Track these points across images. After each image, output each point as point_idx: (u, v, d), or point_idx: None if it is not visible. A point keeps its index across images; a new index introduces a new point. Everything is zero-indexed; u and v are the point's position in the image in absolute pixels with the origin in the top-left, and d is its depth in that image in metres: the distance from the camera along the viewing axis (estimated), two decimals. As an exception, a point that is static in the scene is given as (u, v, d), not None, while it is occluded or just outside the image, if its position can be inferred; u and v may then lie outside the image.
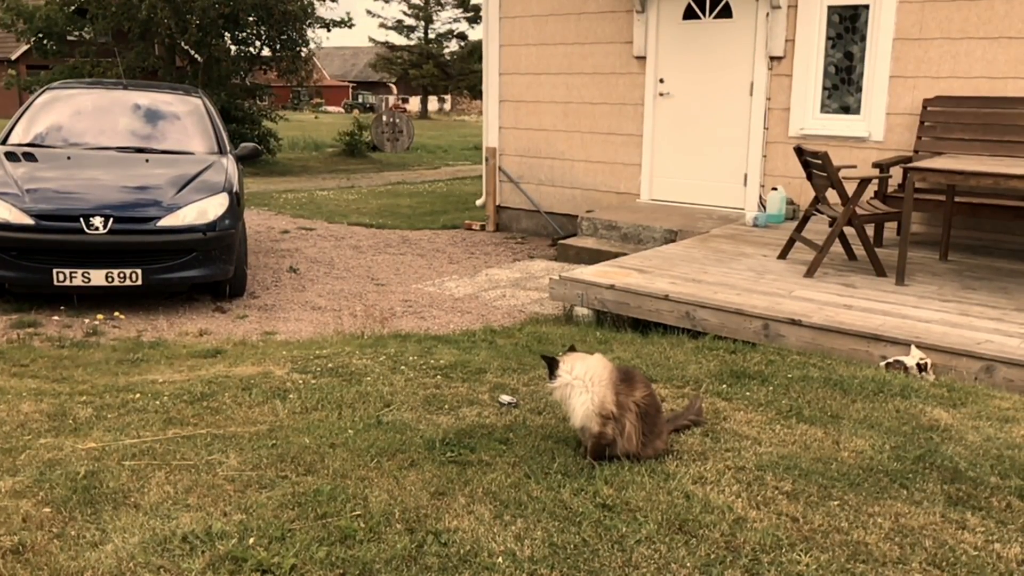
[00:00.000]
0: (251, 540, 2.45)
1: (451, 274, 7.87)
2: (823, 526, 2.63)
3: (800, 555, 2.45)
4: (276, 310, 6.49)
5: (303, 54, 18.97)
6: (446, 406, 3.68)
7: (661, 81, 8.67)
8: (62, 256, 5.96)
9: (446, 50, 48.55)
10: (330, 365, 4.28)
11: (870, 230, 6.37)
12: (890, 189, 6.62)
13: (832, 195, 5.86)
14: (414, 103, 54.66)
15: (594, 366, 3.06)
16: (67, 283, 5.97)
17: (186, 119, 7.68)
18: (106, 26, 16.38)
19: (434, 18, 47.80)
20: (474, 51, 42.22)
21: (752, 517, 2.67)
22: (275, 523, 2.55)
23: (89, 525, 2.56)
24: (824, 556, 2.45)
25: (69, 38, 17.20)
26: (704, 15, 8.33)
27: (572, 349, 3.23)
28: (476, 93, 42.71)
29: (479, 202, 10.60)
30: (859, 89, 7.54)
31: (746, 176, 8.24)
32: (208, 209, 6.33)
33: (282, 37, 18.13)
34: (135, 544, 2.43)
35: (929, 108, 7.02)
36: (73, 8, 16.98)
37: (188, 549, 2.41)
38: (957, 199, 6.23)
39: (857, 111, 7.57)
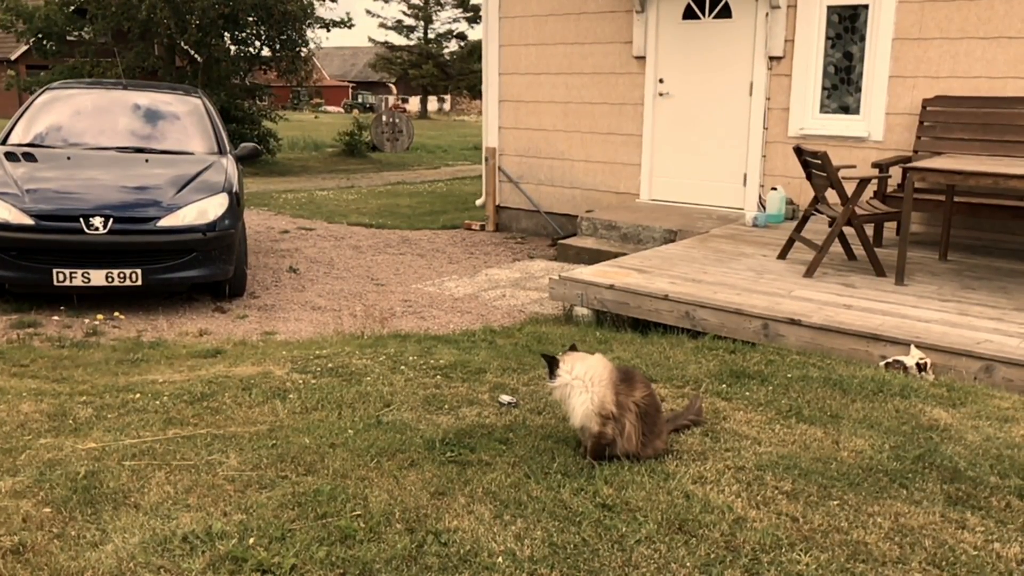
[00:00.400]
0: (251, 540, 2.45)
1: (451, 274, 7.87)
2: (823, 526, 2.63)
3: (800, 555, 2.46)
4: (276, 310, 6.49)
5: (303, 54, 18.96)
6: (446, 406, 3.69)
7: (661, 81, 8.67)
8: (62, 256, 5.96)
9: (446, 50, 48.56)
10: (330, 365, 4.29)
11: (869, 230, 6.37)
12: (889, 189, 6.63)
13: (831, 195, 5.86)
14: (414, 103, 54.67)
15: (594, 366, 3.06)
16: (67, 283, 5.97)
17: (186, 119, 7.68)
18: (105, 26, 16.37)
19: (434, 18, 47.81)
20: (474, 51, 42.20)
21: (752, 517, 2.67)
22: (275, 523, 2.55)
23: (89, 525, 2.56)
24: (824, 556, 2.46)
25: (69, 38, 17.19)
26: (703, 15, 8.34)
27: (573, 348, 3.23)
28: (476, 93, 42.72)
29: (479, 202, 10.60)
30: (858, 89, 7.54)
31: (745, 176, 8.24)
32: (208, 209, 6.33)
33: (282, 37, 18.13)
34: (135, 544, 2.43)
35: (928, 108, 7.02)
36: (72, 8, 16.97)
37: (188, 549, 2.41)
38: (956, 199, 6.23)
39: (856, 111, 7.57)
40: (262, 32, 18.01)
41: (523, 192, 9.97)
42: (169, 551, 2.40)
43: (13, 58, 33.29)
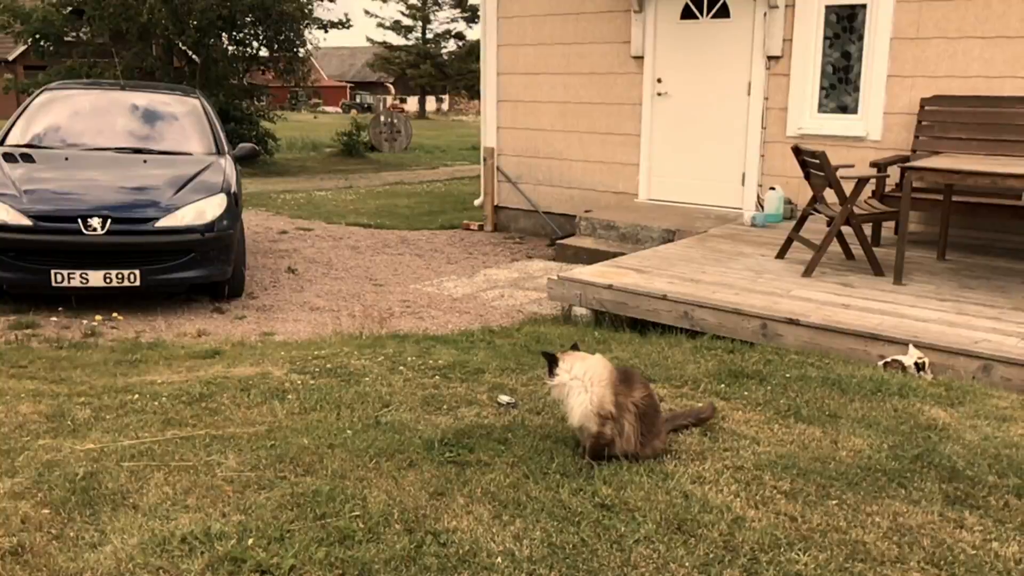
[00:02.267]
0: (250, 541, 2.45)
1: (449, 274, 7.87)
2: (821, 525, 2.63)
3: (799, 554, 2.46)
4: (274, 311, 6.49)
5: (300, 54, 18.95)
6: (444, 406, 3.69)
7: (659, 81, 8.67)
8: (60, 257, 5.95)
9: (444, 50, 48.47)
10: (328, 366, 4.28)
11: (868, 229, 6.37)
12: (888, 188, 6.63)
13: (830, 194, 5.86)
14: (412, 103, 54.61)
15: (593, 366, 3.06)
16: (65, 284, 5.96)
17: (184, 120, 7.67)
18: (103, 26, 16.34)
19: (431, 18, 47.74)
20: (472, 51, 42.09)
21: (750, 516, 2.67)
22: (274, 524, 2.55)
23: (88, 526, 2.56)
24: (822, 555, 2.46)
25: (66, 39, 17.15)
26: (702, 15, 8.34)
27: (575, 347, 3.23)
28: (474, 93, 42.64)
29: (477, 202, 10.60)
30: (857, 88, 7.55)
31: (744, 176, 8.25)
32: (206, 210, 6.33)
33: (279, 37, 18.11)
34: (134, 545, 2.43)
35: (926, 107, 7.02)
36: (69, 9, 16.93)
37: (187, 550, 2.41)
38: (954, 198, 6.23)
39: (855, 110, 7.58)
40: (260, 32, 18.00)
41: (521, 192, 9.97)
42: (168, 552, 2.40)
43: (11, 59, 33.22)
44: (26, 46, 21.50)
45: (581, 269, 6.16)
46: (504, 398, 3.77)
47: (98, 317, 6.02)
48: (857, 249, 6.11)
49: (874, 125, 7.40)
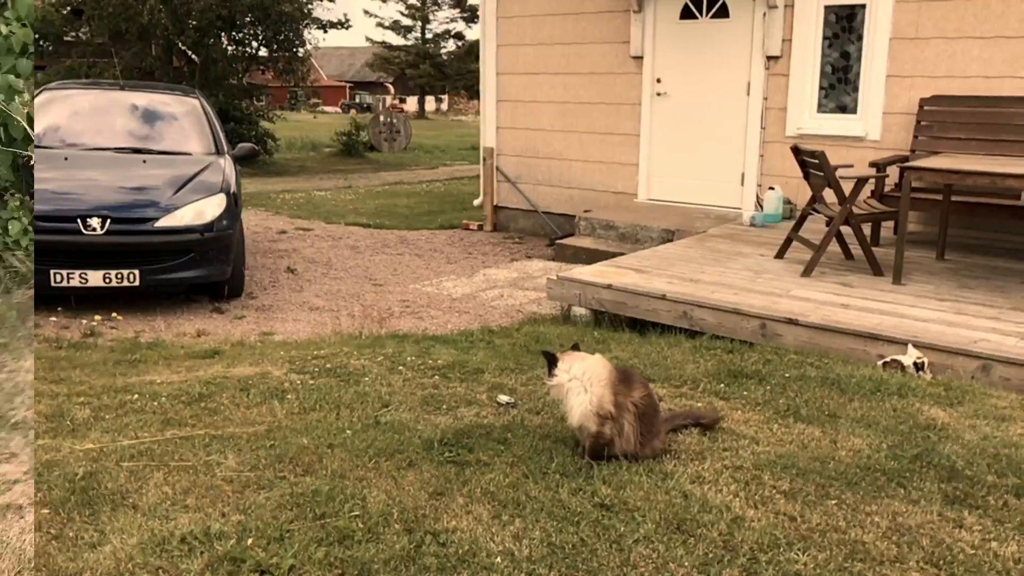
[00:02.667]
0: (249, 541, 2.45)
1: (449, 274, 7.88)
2: (821, 525, 2.63)
3: (798, 554, 2.46)
4: (274, 310, 6.49)
5: (300, 54, 18.96)
6: (444, 406, 3.69)
7: (658, 81, 8.67)
8: (59, 257, 5.95)
9: (443, 50, 48.48)
10: (328, 365, 4.28)
11: (867, 229, 6.37)
12: (887, 188, 6.63)
13: (829, 194, 5.87)
14: (411, 103, 54.61)
15: (593, 366, 3.06)
16: (64, 284, 5.96)
17: (183, 120, 7.67)
18: (103, 26, 16.34)
19: (431, 18, 47.74)
20: (471, 51, 42.09)
21: (750, 516, 2.67)
22: (273, 524, 2.55)
23: (87, 526, 2.56)
24: (822, 555, 2.46)
25: (66, 39, 17.14)
26: (701, 15, 8.34)
27: (575, 347, 3.23)
28: (473, 93, 42.60)
29: (477, 202, 10.61)
30: (856, 88, 7.55)
31: (743, 176, 8.25)
32: (206, 210, 6.33)
33: (279, 37, 18.11)
34: (133, 545, 2.43)
35: (926, 107, 7.03)
36: (68, 9, 16.92)
37: (186, 550, 2.41)
38: (954, 198, 6.23)
39: (854, 110, 7.58)
40: (259, 32, 18.00)
41: (521, 192, 9.97)
42: (167, 552, 2.40)
43: (10, 58, 33.16)
44: (25, 46, 21.46)
45: (580, 269, 6.16)
46: (503, 398, 3.77)
47: (97, 317, 6.01)
48: (856, 249, 6.11)
49: (873, 125, 7.40)
